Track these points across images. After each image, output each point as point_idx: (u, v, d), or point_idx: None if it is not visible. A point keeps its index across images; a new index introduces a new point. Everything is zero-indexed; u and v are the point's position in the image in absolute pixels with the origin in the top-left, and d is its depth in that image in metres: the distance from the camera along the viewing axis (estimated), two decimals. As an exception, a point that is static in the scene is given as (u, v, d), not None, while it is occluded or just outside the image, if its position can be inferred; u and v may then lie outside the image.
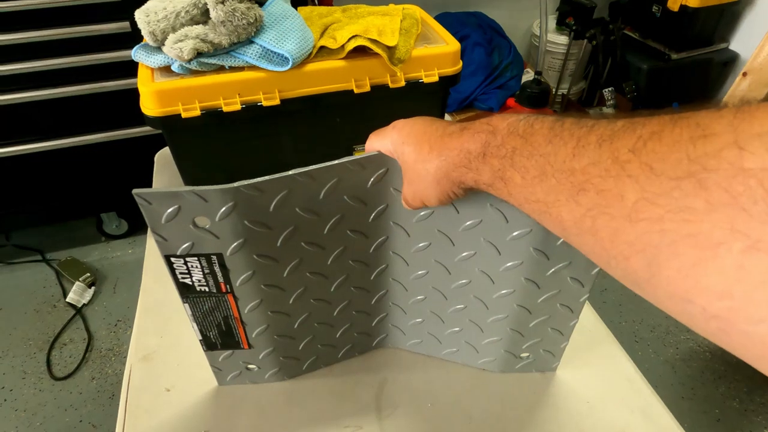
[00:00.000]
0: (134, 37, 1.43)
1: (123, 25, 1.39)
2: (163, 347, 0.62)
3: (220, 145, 0.73)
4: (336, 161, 0.42)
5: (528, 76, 1.98)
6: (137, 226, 1.85)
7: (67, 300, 1.59)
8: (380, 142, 0.43)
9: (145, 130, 1.58)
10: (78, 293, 1.60)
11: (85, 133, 1.54)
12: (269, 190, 0.41)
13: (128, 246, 1.82)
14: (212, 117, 0.68)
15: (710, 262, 0.18)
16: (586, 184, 0.23)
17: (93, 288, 1.65)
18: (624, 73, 2.01)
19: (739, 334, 0.18)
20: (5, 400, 1.35)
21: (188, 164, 0.75)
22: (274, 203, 0.42)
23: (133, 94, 1.60)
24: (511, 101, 1.77)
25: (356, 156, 0.42)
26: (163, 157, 0.93)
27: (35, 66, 1.39)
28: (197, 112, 0.67)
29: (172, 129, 0.69)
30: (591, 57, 2.11)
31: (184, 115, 0.67)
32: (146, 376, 0.59)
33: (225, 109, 0.68)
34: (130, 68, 1.47)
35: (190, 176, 0.76)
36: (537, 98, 1.60)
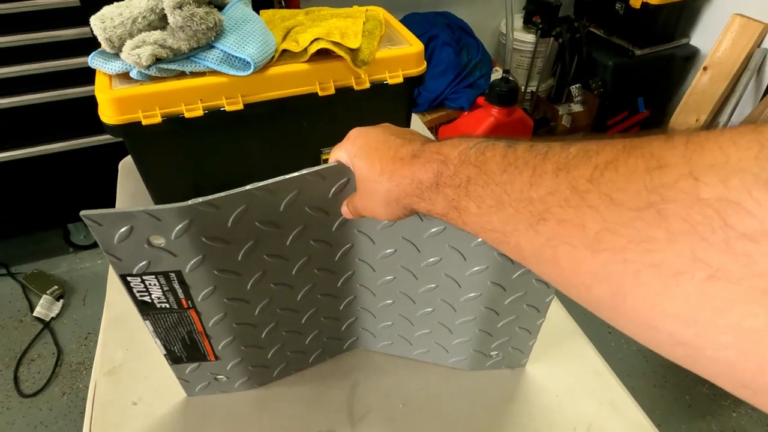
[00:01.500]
0: (96, 42, 1.41)
1: (84, 31, 1.36)
2: (129, 360, 0.60)
3: (183, 151, 0.72)
4: (295, 173, 0.41)
5: (497, 74, 2.00)
6: (106, 236, 1.81)
7: (35, 314, 1.55)
8: (339, 152, 0.42)
9: (111, 137, 1.54)
10: (46, 307, 1.56)
11: (49, 141, 1.50)
12: (226, 206, 0.41)
13: (97, 256, 1.77)
14: (174, 123, 0.67)
15: (674, 290, 0.18)
16: (545, 213, 0.23)
17: (61, 301, 1.60)
18: (590, 69, 2.05)
19: (705, 360, 0.18)
20: (-29, 420, 1.31)
21: (152, 172, 0.74)
22: (232, 218, 0.41)
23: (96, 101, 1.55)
24: (480, 99, 1.79)
25: (315, 168, 0.42)
26: (128, 164, 0.92)
27: (-6, 74, 1.35)
28: (158, 119, 0.66)
29: (132, 137, 0.68)
30: (558, 54, 2.15)
31: (144, 122, 0.65)
32: (112, 390, 0.57)
33: (187, 115, 0.67)
34: (93, 74, 1.45)
35: (154, 183, 0.75)
36: (506, 96, 1.62)
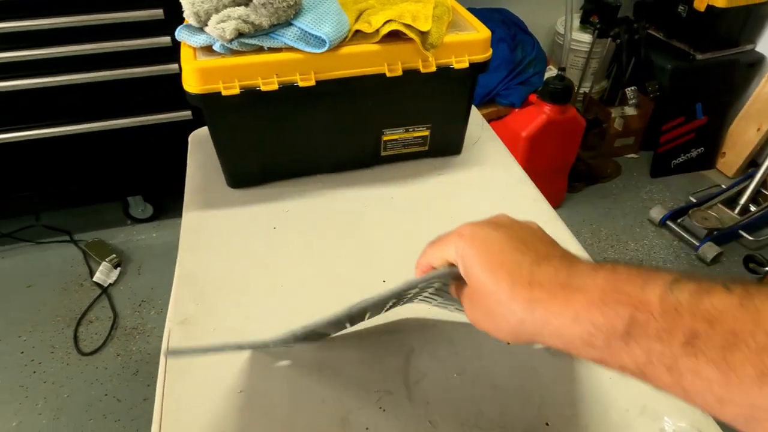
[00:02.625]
0: (166, 24, 1.48)
1: (156, 13, 1.43)
2: (199, 314, 0.65)
3: (256, 123, 0.76)
4: (402, 286, 0.39)
5: (550, 72, 1.99)
6: (162, 210, 1.90)
7: (94, 279, 1.64)
8: (446, 248, 0.37)
9: (173, 116, 1.62)
10: (104, 273, 1.65)
11: (115, 117, 1.59)
12: (327, 328, 0.44)
13: (153, 230, 1.86)
14: (250, 95, 0.71)
15: None
16: None
17: (119, 269, 1.69)
18: (647, 72, 2.00)
19: None
20: (34, 372, 1.40)
21: (225, 141, 0.78)
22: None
23: (162, 80, 1.65)
24: (533, 97, 1.78)
25: (426, 276, 0.39)
26: (197, 137, 0.96)
27: (68, 50, 1.44)
28: (236, 90, 0.70)
29: (211, 106, 0.72)
30: (614, 56, 2.11)
31: (224, 92, 0.69)
32: (184, 338, 0.61)
33: (263, 88, 0.71)
34: (160, 55, 1.52)
35: (225, 152, 0.79)
36: (560, 94, 1.61)
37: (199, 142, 0.96)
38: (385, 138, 0.84)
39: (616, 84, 2.16)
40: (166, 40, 1.48)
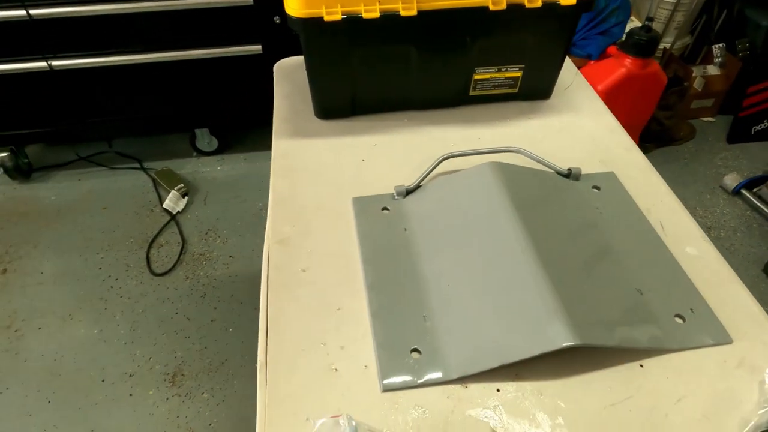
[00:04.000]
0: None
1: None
2: (295, 235, 0.67)
3: (353, 52, 0.75)
4: None
5: (632, 24, 1.87)
6: (227, 145, 1.94)
7: (164, 206, 1.72)
8: None
9: (243, 49, 1.62)
10: (173, 201, 1.72)
11: (187, 48, 1.61)
12: None
13: (217, 163, 1.91)
14: (351, 22, 0.70)
15: None
16: None
17: (186, 198, 1.76)
18: (739, 28, 1.86)
19: None
20: (111, 287, 1.51)
21: (319, 70, 0.78)
22: None
23: (236, 11, 1.63)
24: (612, 49, 1.69)
25: None
26: (282, 68, 0.97)
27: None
28: (338, 16, 0.69)
29: (311, 31, 0.72)
30: (703, 8, 1.96)
31: (326, 18, 0.69)
32: (283, 257, 0.64)
33: (365, 15, 0.70)
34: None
35: (318, 82, 0.80)
36: (644, 46, 1.52)
37: (285, 72, 0.96)
38: (476, 77, 0.83)
39: (701, 40, 2.02)
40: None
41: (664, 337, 0.56)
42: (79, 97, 1.67)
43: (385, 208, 0.70)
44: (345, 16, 0.69)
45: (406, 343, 0.55)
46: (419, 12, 0.71)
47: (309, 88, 0.82)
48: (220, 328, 1.41)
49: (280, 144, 0.81)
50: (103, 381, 1.30)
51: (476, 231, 0.63)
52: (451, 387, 0.53)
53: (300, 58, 0.95)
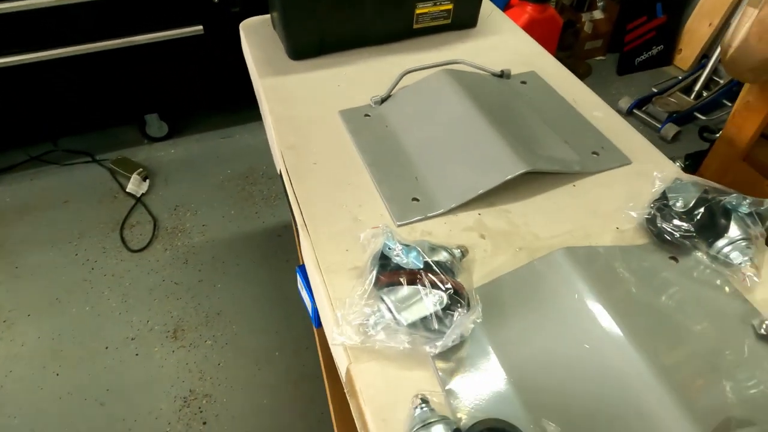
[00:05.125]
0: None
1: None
2: (300, 143, 0.83)
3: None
4: None
5: (527, -21, 2.15)
6: (177, 129, 2.02)
7: (127, 190, 1.78)
8: None
9: (185, 31, 1.71)
10: (136, 184, 1.79)
11: (127, 35, 1.67)
12: None
13: (170, 147, 1.99)
14: (317, -31, 0.86)
15: None
16: None
17: (147, 181, 1.83)
18: (614, -25, 2.18)
19: None
20: (93, 268, 1.57)
21: (291, 13, 0.93)
22: None
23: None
24: (514, 0, 1.94)
25: None
26: (248, 26, 1.11)
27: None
28: (307, -35, 0.85)
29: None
30: (584, -38, 2.27)
31: (297, -34, 0.85)
32: (295, 156, 0.80)
33: (327, -38, 0.86)
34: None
35: (289, 25, 0.95)
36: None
37: (251, 29, 1.10)
38: (418, 11, 1.01)
39: (586, -10, 2.34)
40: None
41: (587, 165, 0.78)
42: (20, 96, 1.68)
43: (366, 115, 0.87)
44: (312, -36, 0.86)
45: (407, 195, 0.74)
46: (369, -43, 0.88)
47: (279, 37, 0.98)
48: (208, 286, 1.52)
49: (266, 81, 0.95)
50: (106, 348, 1.38)
51: (441, 114, 0.82)
52: (446, 217, 0.71)
53: (261, 17, 1.10)
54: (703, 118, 2.04)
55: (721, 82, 2.14)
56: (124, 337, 1.40)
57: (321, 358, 1.22)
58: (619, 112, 2.15)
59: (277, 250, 1.62)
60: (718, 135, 1.74)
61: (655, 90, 2.18)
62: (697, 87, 2.10)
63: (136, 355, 1.37)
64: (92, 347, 1.38)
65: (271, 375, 1.33)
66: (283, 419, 1.26)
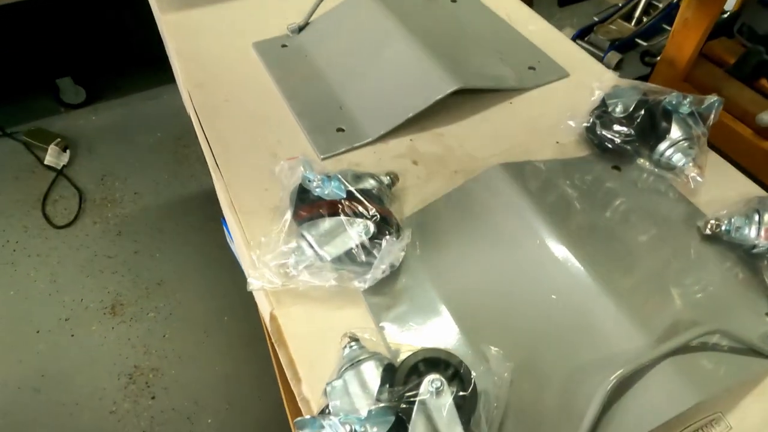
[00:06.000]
0: None
1: None
2: (209, 78, 0.74)
3: None
4: None
5: None
6: (97, 93, 1.85)
7: (46, 163, 1.63)
8: None
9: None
10: (54, 156, 1.64)
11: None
12: None
13: (91, 113, 1.83)
14: None
15: None
16: None
17: (68, 151, 1.68)
18: None
19: None
20: (14, 250, 1.44)
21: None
22: None
23: None
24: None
25: None
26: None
27: None
28: None
29: None
30: None
31: None
32: (204, 94, 0.71)
33: None
34: None
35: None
36: None
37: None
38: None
39: None
40: None
41: (523, 80, 0.72)
42: None
43: (284, 45, 0.79)
44: None
45: (331, 126, 0.67)
46: None
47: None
48: (146, 257, 1.43)
49: (168, 17, 0.84)
50: (38, 332, 1.28)
51: (365, 38, 0.74)
52: (374, 146, 0.65)
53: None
54: (645, 44, 2.02)
55: (660, 6, 2.12)
56: (57, 318, 1.30)
57: (261, 314, 1.16)
58: (562, 44, 2.11)
59: (218, 211, 1.52)
60: (659, 58, 1.73)
61: (596, 19, 2.14)
62: (637, 13, 2.08)
63: (72, 336, 1.27)
64: (22, 332, 1.28)
65: (221, 341, 1.27)
66: (236, 384, 1.21)
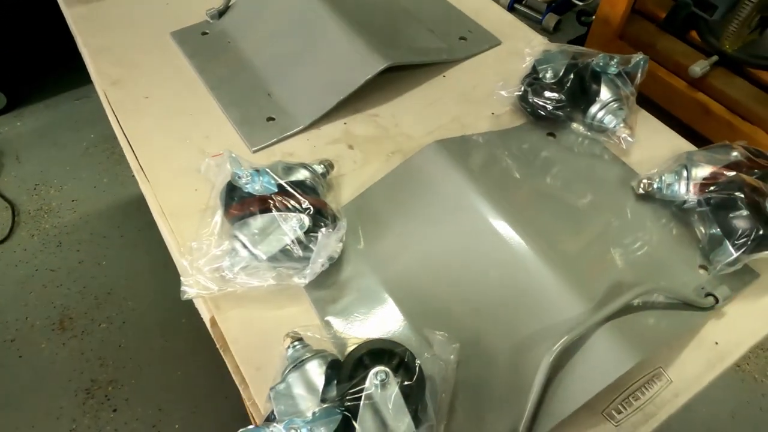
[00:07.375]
0: None
1: None
2: (125, 76, 0.69)
3: None
4: None
5: None
6: (20, 98, 1.72)
7: (-31, 178, 1.52)
8: None
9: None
10: (-21, 169, 1.53)
11: None
12: None
13: (15, 119, 1.70)
14: None
15: None
16: None
17: (-7, 163, 1.57)
18: None
19: None
20: (-55, 273, 1.34)
21: None
22: None
23: None
24: None
25: None
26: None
27: None
28: None
29: None
30: None
31: None
32: (121, 93, 0.67)
33: None
34: None
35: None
36: None
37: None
38: None
39: None
40: None
41: (455, 51, 0.71)
42: None
43: (204, 32, 0.74)
44: None
45: (260, 116, 0.64)
46: None
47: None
48: (92, 266, 1.36)
49: (74, 10, 0.78)
50: (-19, 357, 1.21)
51: (289, 20, 0.71)
52: (308, 133, 0.63)
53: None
54: (581, 3, 2.04)
55: (593, -35, 2.13)
56: (1, 340, 1.23)
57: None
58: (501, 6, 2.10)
59: (165, 212, 1.46)
60: (594, 17, 1.75)
61: (531, -18, 2.14)
62: (571, -27, 2.09)
63: (20, 357, 1.21)
64: (-36, 359, 1.20)
65: (180, 344, 1.23)
66: (201, 386, 1.18)
